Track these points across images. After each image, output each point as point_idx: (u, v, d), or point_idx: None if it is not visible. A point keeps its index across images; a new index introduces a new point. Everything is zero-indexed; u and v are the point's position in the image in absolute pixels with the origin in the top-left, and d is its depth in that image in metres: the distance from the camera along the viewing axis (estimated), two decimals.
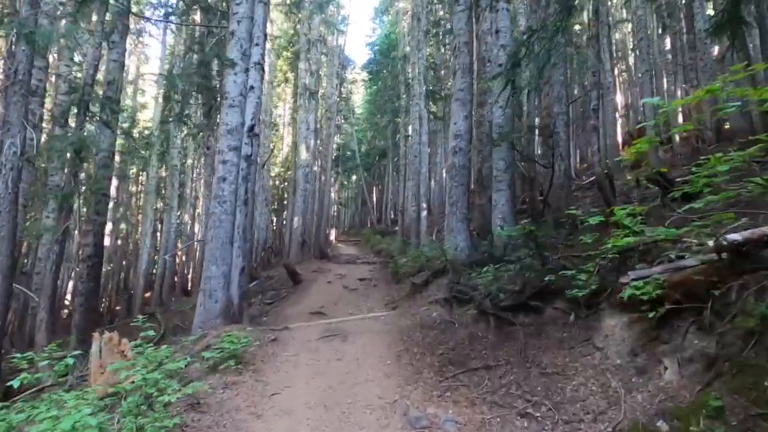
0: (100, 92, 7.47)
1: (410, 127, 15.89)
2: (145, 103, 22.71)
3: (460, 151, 6.42)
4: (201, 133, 11.80)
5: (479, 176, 6.83)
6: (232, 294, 5.42)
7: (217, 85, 8.16)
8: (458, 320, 5.08)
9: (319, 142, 18.73)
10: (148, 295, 18.22)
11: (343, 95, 24.62)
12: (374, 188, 39.85)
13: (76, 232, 13.20)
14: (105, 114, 6.60)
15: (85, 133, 7.40)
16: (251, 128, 5.70)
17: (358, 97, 39.04)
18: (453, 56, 6.20)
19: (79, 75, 10.59)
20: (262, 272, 12.73)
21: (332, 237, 30.63)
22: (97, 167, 7.32)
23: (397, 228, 26.73)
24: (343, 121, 30.96)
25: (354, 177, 43.95)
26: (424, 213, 12.21)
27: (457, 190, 6.47)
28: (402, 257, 12.93)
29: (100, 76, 8.89)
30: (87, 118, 7.03)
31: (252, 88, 5.84)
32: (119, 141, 23.73)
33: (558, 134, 6.17)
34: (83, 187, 7.86)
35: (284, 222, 24.27)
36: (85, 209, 7.75)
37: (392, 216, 29.05)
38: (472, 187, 6.90)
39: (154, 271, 20.52)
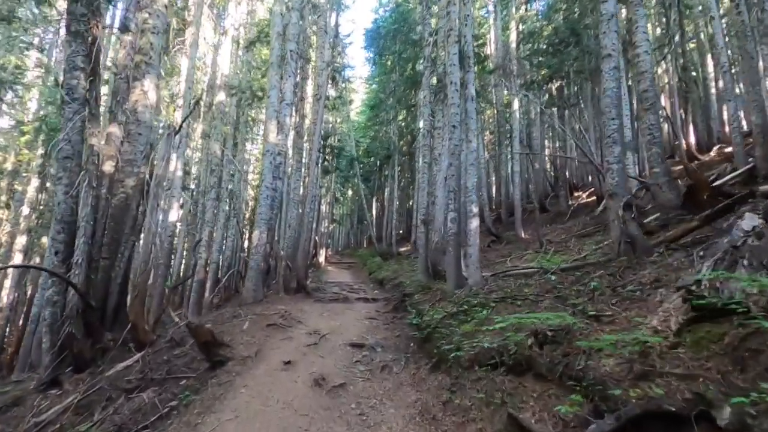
0: None
1: (423, 119, 10.62)
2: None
3: None
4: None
5: None
6: None
7: None
8: None
9: (300, 121, 13.27)
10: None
11: (337, 81, 19.41)
12: (374, 202, 34.40)
13: None
14: None
15: None
16: None
17: (355, 109, 34.60)
18: None
19: None
20: (172, 326, 6.89)
21: (322, 258, 24.96)
22: None
23: (403, 249, 21.02)
24: (338, 122, 25.87)
25: (350, 192, 38.53)
26: (474, 223, 6.58)
27: None
28: (428, 305, 7.05)
29: None
30: None
31: None
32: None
33: None
34: None
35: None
36: None
37: (395, 235, 23.37)
38: None
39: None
